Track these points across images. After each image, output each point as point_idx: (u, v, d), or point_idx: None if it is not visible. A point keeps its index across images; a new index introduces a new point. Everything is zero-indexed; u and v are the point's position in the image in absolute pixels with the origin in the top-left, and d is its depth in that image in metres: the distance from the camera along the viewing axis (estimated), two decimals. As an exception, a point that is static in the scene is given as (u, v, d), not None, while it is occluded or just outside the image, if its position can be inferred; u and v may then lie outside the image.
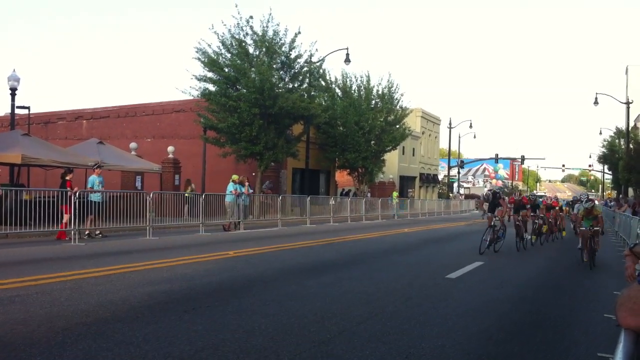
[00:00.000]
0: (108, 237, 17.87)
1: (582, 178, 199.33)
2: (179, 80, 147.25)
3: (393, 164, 55.24)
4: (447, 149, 65.38)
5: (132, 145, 28.97)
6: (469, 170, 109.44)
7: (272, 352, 5.74)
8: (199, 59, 29.10)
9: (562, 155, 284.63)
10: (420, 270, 12.30)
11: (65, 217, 16.67)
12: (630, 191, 48.36)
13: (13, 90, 22.82)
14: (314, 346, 6.05)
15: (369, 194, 43.55)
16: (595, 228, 14.53)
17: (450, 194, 69.59)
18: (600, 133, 65.56)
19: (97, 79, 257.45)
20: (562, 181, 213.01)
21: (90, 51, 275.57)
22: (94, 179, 18.67)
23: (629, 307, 1.65)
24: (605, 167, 70.12)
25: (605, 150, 64.73)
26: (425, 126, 67.07)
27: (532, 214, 19.90)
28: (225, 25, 29.47)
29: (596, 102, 46.66)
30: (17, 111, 25.65)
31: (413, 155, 62.98)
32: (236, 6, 30.19)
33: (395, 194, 46.33)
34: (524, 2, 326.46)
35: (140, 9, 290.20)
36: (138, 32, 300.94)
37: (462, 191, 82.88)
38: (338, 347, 6.06)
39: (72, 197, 16.50)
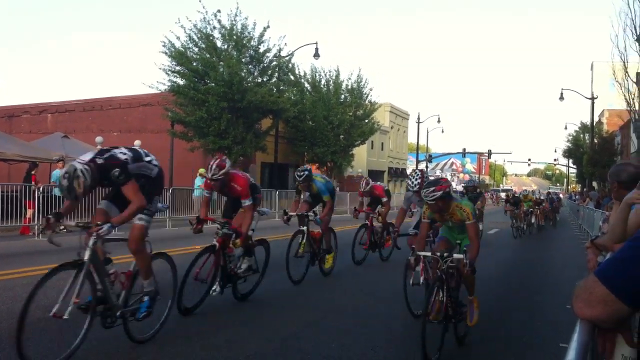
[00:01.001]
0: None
1: (547, 172, 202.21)
2: (146, 74, 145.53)
3: (362, 158, 55.40)
4: (416, 144, 65.76)
5: (98, 139, 28.50)
6: (437, 165, 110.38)
7: (238, 347, 5.73)
8: (165, 52, 28.80)
9: (528, 149, 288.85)
10: (388, 263, 12.38)
11: (29, 212, 16.38)
12: (595, 185, 49.24)
13: (-25, 83, 22.33)
14: (280, 340, 6.05)
15: (337, 188, 43.54)
16: (454, 256, 5.89)
17: (419, 188, 70.02)
18: (566, 128, 66.53)
19: (62, 72, 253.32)
20: (528, 175, 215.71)
21: (56, 44, 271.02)
22: (57, 173, 18.38)
23: (584, 298, 1.67)
24: (570, 161, 71.18)
25: (570, 145, 65.74)
26: (394, 121, 67.37)
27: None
28: (190, 20, 29.09)
29: (562, 98, 47.31)
30: (-21, 104, 25.10)
31: (382, 149, 63.25)
32: (200, 0, 29.91)
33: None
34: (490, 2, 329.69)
35: (106, 1, 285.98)
36: (105, 24, 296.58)
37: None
38: (305, 340, 6.06)
39: (36, 192, 16.22)
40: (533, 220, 24.20)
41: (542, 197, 28.88)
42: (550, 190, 39.01)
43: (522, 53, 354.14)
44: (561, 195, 44.10)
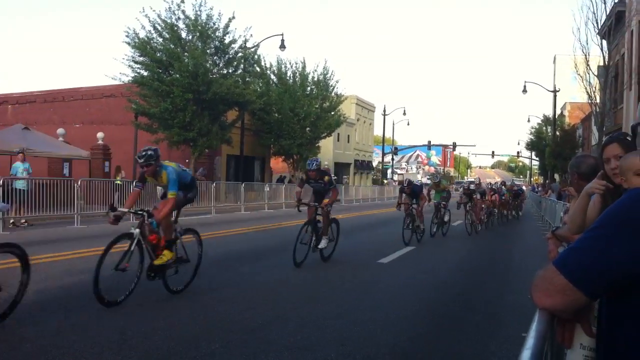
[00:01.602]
0: (34, 226, 17.31)
1: (510, 164, 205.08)
2: (110, 64, 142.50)
3: (328, 150, 55.45)
4: (382, 136, 66.05)
5: (60, 131, 28.06)
6: (402, 157, 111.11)
7: (203, 340, 5.69)
8: (128, 43, 28.37)
9: (492, 142, 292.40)
10: (353, 256, 12.41)
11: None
12: (557, 177, 50.08)
13: None
14: (247, 332, 6.03)
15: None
16: None
17: (384, 181, 70.46)
18: (529, 121, 67.46)
19: (23, 62, 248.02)
20: (492, 167, 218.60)
21: (16, 33, 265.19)
22: (17, 166, 18.04)
23: (543, 287, 1.69)
24: (533, 153, 72.18)
25: (532, 138, 66.58)
26: (360, 113, 67.54)
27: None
28: (154, 10, 28.68)
29: (525, 91, 47.90)
30: None
31: (348, 142, 63.37)
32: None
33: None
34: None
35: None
36: (67, 13, 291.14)
37: (395, 177, 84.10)
38: (272, 332, 6.06)
39: (-4, 185, 15.90)
40: (446, 219, 18.12)
41: (473, 187, 21.22)
42: (507, 182, 34.62)
43: (486, 46, 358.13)
44: (524, 187, 43.54)
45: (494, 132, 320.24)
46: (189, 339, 5.75)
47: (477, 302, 8.29)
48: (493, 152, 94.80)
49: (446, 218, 18.05)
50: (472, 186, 21.32)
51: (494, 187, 25.42)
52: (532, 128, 66.97)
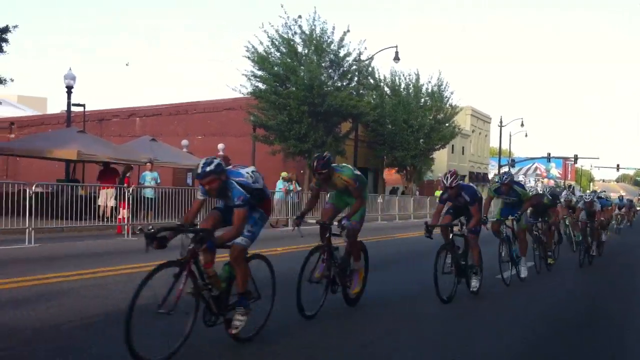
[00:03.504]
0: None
1: (637, 178, 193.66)
2: (229, 78, 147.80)
3: (442, 162, 54.67)
4: (498, 148, 64.38)
5: (184, 142, 29.47)
6: (520, 170, 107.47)
7: (320, 349, 5.82)
8: (249, 57, 29.42)
9: (617, 154, 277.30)
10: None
11: (122, 212, 17.11)
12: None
13: (69, 89, 23.50)
14: (359, 346, 6.10)
15: (417, 193, 43.32)
16: None
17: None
18: (657, 132, 63.61)
19: (150, 76, 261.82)
20: (617, 181, 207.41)
21: (143, 50, 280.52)
22: (145, 175, 19.14)
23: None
24: (663, 167, 68.07)
25: (662, 150, 62.83)
26: (475, 124, 66.23)
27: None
28: (272, 26, 29.59)
29: (653, 100, 45.29)
30: (73, 109, 26.48)
31: (463, 153, 62.29)
32: (282, 6, 30.41)
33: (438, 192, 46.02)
34: (575, 1, 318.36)
35: (190, 8, 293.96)
36: (189, 30, 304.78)
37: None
38: (379, 349, 6.08)
39: (126, 193, 16.95)
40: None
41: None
42: (635, 196, 28.99)
43: (608, 53, 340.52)
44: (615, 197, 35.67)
45: (618, 144, 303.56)
46: (303, 345, 5.89)
47: (603, 320, 7.92)
48: (618, 165, 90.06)
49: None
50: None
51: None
52: (662, 140, 63.12)
